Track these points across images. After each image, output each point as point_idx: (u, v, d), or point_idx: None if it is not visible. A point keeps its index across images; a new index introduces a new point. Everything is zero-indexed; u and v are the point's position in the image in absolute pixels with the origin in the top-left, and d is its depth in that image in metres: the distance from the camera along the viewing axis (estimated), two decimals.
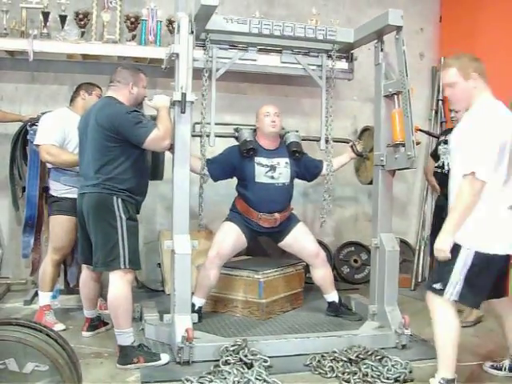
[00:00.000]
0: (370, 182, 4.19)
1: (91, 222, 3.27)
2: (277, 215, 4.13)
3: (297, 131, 4.44)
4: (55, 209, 3.98)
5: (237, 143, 4.25)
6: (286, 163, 4.18)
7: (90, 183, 3.28)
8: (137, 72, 3.50)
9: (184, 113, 3.35)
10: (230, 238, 4.09)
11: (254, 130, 4.27)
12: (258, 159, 4.12)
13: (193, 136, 3.78)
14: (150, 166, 3.71)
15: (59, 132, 3.88)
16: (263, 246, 5.07)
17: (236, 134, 4.29)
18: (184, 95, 3.33)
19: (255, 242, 4.36)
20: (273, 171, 4.12)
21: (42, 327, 2.31)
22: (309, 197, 5.75)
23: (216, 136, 4.16)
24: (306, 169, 4.37)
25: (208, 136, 4.05)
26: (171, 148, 3.54)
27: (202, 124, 3.86)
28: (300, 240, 4.22)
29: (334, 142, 4.33)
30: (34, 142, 3.96)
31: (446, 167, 4.41)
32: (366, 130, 4.52)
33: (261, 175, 4.11)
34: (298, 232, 4.24)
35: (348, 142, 4.50)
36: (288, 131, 4.38)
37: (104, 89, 3.83)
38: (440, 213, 4.46)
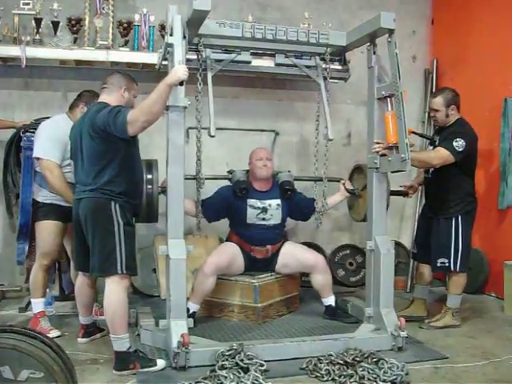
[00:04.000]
0: (363, 219, 4.24)
1: (89, 226, 3.26)
2: (269, 247, 4.28)
3: (289, 171, 4.55)
4: (41, 214, 3.95)
5: (230, 184, 4.35)
6: (278, 205, 4.29)
7: (87, 188, 3.27)
8: (131, 79, 3.51)
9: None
10: (230, 252, 4.22)
11: (247, 172, 4.35)
12: (250, 201, 4.23)
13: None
14: (145, 210, 3.77)
15: (61, 147, 3.80)
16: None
17: (229, 176, 4.36)
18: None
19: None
20: (264, 213, 4.24)
21: (36, 334, 2.31)
22: None
23: (207, 179, 4.12)
24: (299, 209, 4.46)
25: (208, 130, 3.96)
26: (165, 191, 3.60)
27: (197, 128, 3.85)
28: (293, 256, 4.30)
29: (328, 181, 4.38)
30: (34, 155, 3.86)
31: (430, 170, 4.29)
32: (357, 168, 4.54)
33: (252, 217, 4.23)
34: (288, 251, 4.33)
35: (339, 181, 4.52)
36: (280, 171, 4.48)
37: None
38: (423, 224, 4.46)
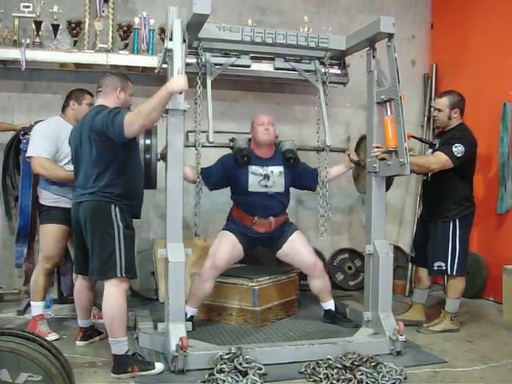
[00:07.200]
0: None
1: (88, 229, 3.26)
2: (272, 219, 4.14)
3: (292, 140, 4.43)
4: (44, 218, 3.95)
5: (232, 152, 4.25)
6: (280, 172, 4.18)
7: (87, 192, 3.27)
8: (125, 79, 3.51)
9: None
10: (226, 248, 4.08)
11: (249, 140, 4.28)
12: (251, 168, 4.13)
13: (187, 147, 3.77)
14: (144, 177, 3.68)
15: (52, 144, 3.82)
16: (258, 254, 5.05)
17: (231, 144, 4.30)
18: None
19: (250, 251, 4.35)
20: (266, 180, 4.13)
21: (35, 337, 2.30)
22: (303, 204, 5.75)
23: (211, 146, 4.12)
24: (301, 179, 4.34)
25: (206, 139, 3.97)
26: (164, 158, 3.55)
27: (196, 132, 3.85)
28: (297, 250, 4.21)
29: (331, 151, 4.28)
30: (26, 154, 3.88)
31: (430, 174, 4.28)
32: (363, 138, 4.44)
33: (254, 184, 4.12)
34: (295, 241, 4.23)
35: (344, 151, 4.47)
36: (283, 140, 4.38)
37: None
38: (421, 228, 4.45)
